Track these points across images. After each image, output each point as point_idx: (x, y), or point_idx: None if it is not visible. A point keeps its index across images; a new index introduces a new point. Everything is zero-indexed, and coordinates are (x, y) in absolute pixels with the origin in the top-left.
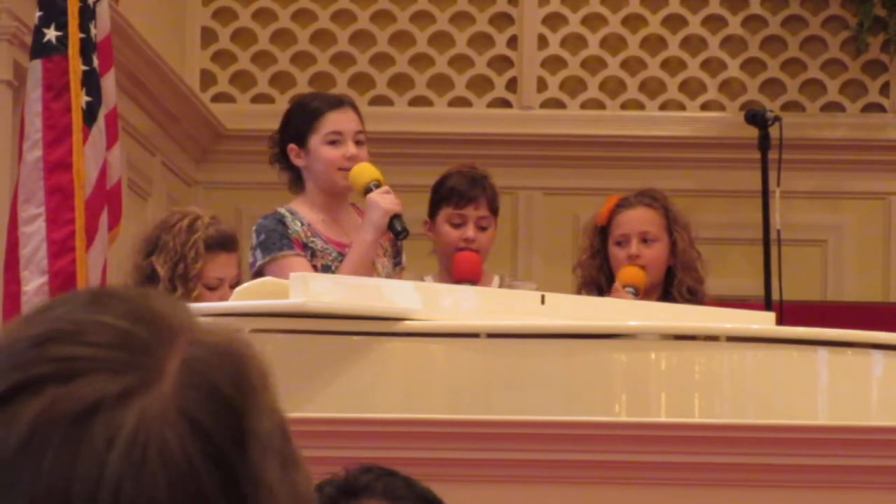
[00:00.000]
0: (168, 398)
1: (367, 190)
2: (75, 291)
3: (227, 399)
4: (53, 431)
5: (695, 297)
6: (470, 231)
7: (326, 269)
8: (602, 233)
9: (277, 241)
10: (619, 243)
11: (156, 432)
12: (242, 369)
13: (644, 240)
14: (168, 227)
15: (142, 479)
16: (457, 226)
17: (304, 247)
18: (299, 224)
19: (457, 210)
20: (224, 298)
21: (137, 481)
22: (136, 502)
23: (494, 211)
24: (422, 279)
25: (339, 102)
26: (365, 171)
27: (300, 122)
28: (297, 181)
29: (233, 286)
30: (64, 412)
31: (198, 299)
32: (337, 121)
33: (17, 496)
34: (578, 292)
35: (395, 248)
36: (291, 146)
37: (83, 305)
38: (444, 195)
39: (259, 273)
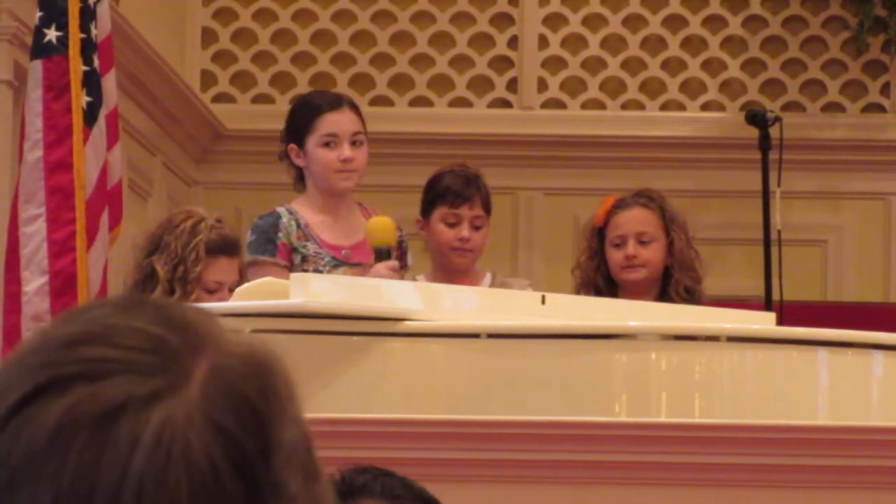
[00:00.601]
0: (194, 403)
1: (378, 252)
2: (110, 297)
3: (254, 407)
4: (79, 429)
5: (692, 296)
6: (465, 231)
7: (318, 273)
8: (599, 234)
9: (262, 244)
10: (616, 244)
11: (180, 435)
12: (269, 379)
13: (641, 240)
14: (171, 228)
15: (165, 480)
16: (452, 225)
17: (294, 251)
18: (295, 225)
19: (452, 209)
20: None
21: (160, 482)
22: (158, 502)
23: (488, 210)
24: (414, 278)
25: (336, 103)
26: (384, 229)
27: (299, 122)
28: (301, 179)
29: (232, 290)
30: (90, 411)
31: (196, 302)
32: (333, 122)
33: (42, 492)
34: (577, 293)
35: (401, 248)
36: (292, 146)
37: (116, 310)
38: (438, 194)
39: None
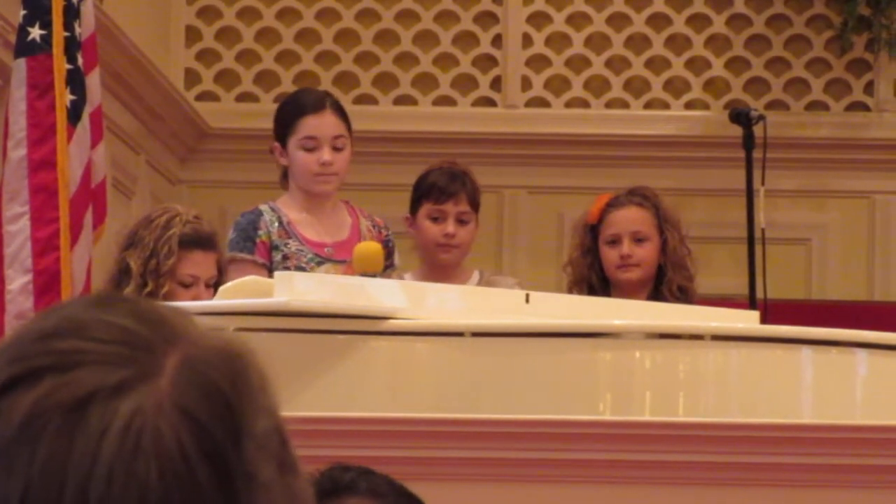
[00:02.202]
0: (165, 392)
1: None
2: (85, 294)
3: (225, 396)
4: (50, 418)
5: (685, 295)
6: (450, 226)
7: (300, 270)
8: (592, 231)
9: (241, 242)
10: (610, 243)
11: (150, 424)
12: (241, 370)
13: (635, 239)
14: (147, 223)
15: (134, 467)
16: (437, 221)
17: (274, 248)
18: (277, 223)
19: (436, 206)
20: (198, 297)
21: (129, 470)
22: (128, 489)
23: (475, 206)
24: (401, 277)
25: (318, 106)
26: (370, 257)
27: (282, 122)
28: (286, 177)
29: (210, 285)
30: (61, 400)
31: (169, 296)
32: (313, 125)
33: (14, 481)
34: (570, 291)
35: (388, 249)
36: (275, 145)
37: (89, 305)
38: (424, 191)
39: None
